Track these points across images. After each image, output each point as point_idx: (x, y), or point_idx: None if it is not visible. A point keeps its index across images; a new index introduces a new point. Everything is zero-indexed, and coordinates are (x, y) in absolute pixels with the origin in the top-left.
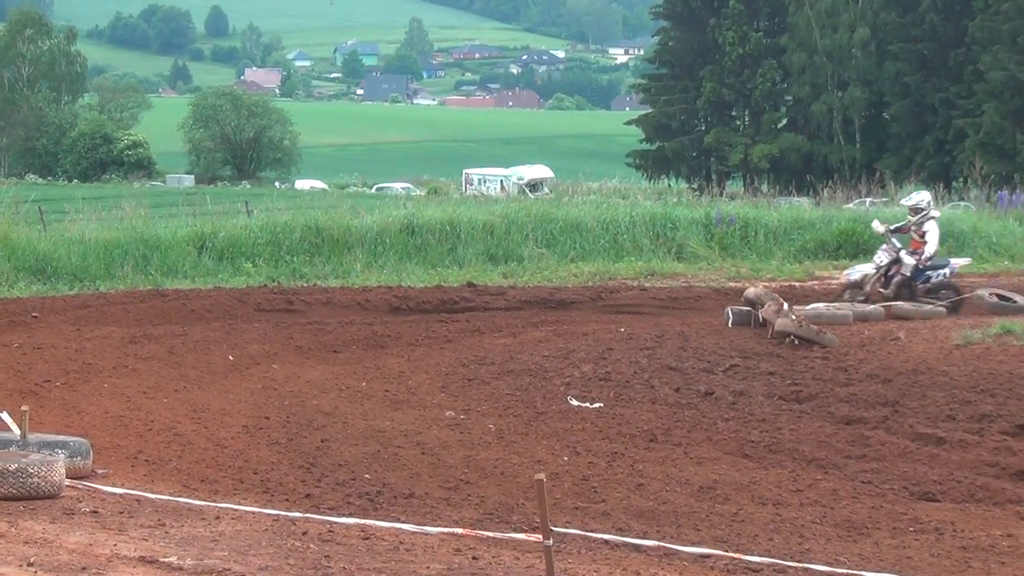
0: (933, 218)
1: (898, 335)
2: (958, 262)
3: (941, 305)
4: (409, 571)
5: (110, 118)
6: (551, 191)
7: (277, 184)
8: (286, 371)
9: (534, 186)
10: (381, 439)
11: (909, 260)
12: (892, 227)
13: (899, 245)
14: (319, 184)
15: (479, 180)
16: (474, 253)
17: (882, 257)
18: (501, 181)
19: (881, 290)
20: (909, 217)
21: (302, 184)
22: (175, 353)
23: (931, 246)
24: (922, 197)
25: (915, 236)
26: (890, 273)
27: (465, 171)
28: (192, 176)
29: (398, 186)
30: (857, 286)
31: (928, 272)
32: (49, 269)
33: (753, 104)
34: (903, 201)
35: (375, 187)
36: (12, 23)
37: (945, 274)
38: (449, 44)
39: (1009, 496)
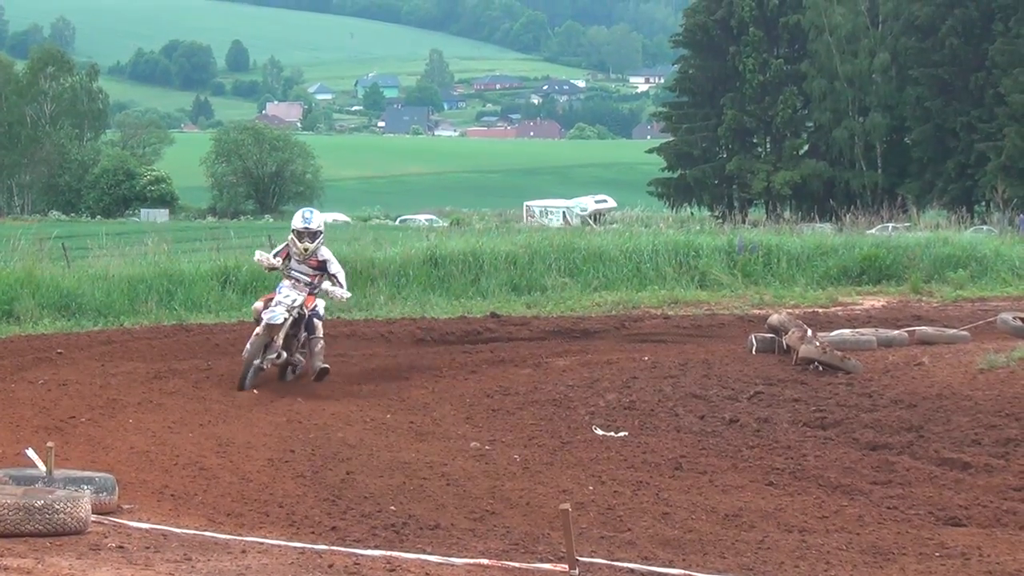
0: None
1: (922, 360)
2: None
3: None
4: None
5: (132, 154)
6: (616, 222)
7: None
8: (310, 404)
9: (597, 217)
10: (406, 471)
11: (342, 293)
12: (272, 253)
13: (307, 277)
14: (342, 217)
15: (540, 212)
16: (497, 284)
17: (294, 296)
18: (564, 212)
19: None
20: (297, 243)
21: (324, 217)
22: (200, 388)
23: (343, 275)
24: (321, 219)
25: (306, 266)
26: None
27: (526, 203)
28: (166, 210)
29: (422, 218)
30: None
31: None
32: (73, 305)
33: (774, 131)
34: (296, 223)
35: (399, 219)
36: (34, 61)
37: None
38: (470, 75)
39: None
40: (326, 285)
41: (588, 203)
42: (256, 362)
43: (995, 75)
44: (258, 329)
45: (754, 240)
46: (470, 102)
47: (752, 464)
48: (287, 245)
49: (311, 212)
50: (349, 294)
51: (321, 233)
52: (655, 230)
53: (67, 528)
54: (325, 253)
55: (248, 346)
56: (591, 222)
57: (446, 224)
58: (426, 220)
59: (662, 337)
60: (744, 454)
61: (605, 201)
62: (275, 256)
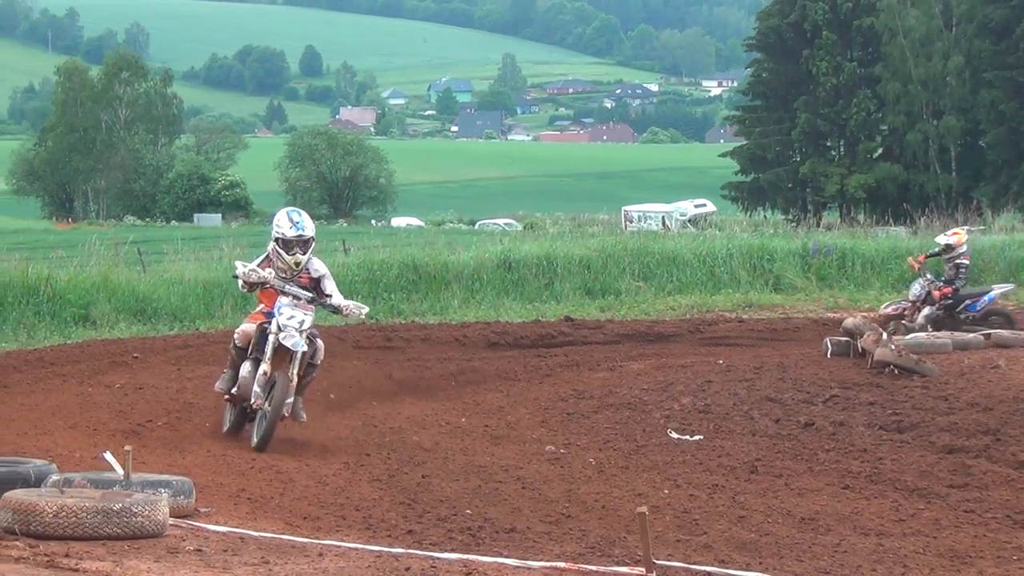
0: None
1: (998, 363)
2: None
3: None
4: None
5: (207, 159)
6: (716, 227)
7: (373, 222)
8: (385, 408)
9: (697, 221)
10: (482, 474)
11: (358, 308)
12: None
13: (308, 293)
14: (415, 221)
15: (639, 217)
16: (571, 287)
17: (301, 317)
18: (663, 218)
19: None
20: (284, 255)
21: (398, 221)
22: None
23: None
24: (312, 224)
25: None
26: None
27: (624, 208)
28: (219, 215)
29: (500, 222)
30: None
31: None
32: (149, 310)
33: (848, 134)
34: (283, 228)
35: (477, 224)
36: (109, 66)
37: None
38: (542, 79)
39: None
40: (338, 300)
41: (688, 207)
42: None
43: None
44: (264, 368)
45: (828, 243)
46: (543, 106)
47: (828, 467)
48: (267, 257)
49: (299, 214)
50: (366, 308)
51: (314, 241)
52: (729, 234)
53: (145, 531)
54: (319, 267)
55: (256, 388)
56: (691, 226)
57: (521, 228)
58: (504, 224)
59: (736, 341)
60: (820, 457)
61: (705, 205)
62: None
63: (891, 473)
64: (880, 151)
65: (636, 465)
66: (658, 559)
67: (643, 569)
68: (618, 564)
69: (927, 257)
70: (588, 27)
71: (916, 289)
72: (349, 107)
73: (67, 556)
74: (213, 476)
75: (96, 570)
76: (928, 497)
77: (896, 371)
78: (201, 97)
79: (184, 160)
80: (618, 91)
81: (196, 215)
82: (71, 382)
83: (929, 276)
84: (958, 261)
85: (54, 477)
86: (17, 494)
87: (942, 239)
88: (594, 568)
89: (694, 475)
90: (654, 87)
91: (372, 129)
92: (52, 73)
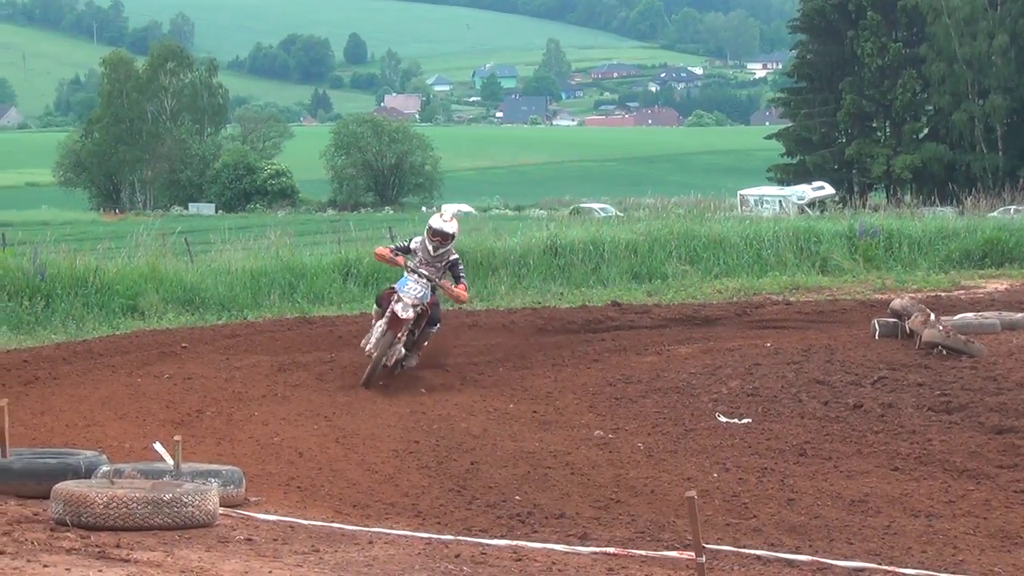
0: None
1: None
2: None
3: None
4: None
5: (253, 148)
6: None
7: (424, 208)
8: (434, 395)
9: (815, 205)
10: (530, 460)
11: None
12: None
13: None
14: (464, 207)
15: (755, 201)
16: (618, 272)
17: None
18: (780, 201)
19: None
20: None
21: (450, 208)
22: (323, 380)
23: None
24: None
25: None
26: None
27: (740, 192)
28: (213, 204)
29: (596, 206)
30: None
31: None
32: (197, 300)
33: (894, 115)
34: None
35: (572, 207)
36: (154, 57)
37: None
38: (587, 64)
39: None
40: None
41: (806, 191)
42: None
43: None
44: None
45: (875, 224)
46: (588, 91)
47: (877, 449)
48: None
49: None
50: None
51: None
52: (776, 216)
53: (195, 521)
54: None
55: None
56: (809, 210)
57: (622, 214)
58: (600, 209)
59: (784, 323)
60: (869, 439)
61: (823, 188)
62: None
63: (940, 454)
64: (926, 131)
65: (685, 449)
66: (708, 543)
67: (693, 553)
68: (667, 549)
69: (400, 251)
70: (632, 11)
71: (419, 290)
72: (394, 94)
73: (118, 547)
74: (263, 465)
75: (147, 560)
76: (978, 478)
77: (944, 352)
78: (246, 86)
79: (230, 150)
80: (663, 75)
81: (191, 204)
82: (120, 373)
83: (424, 271)
84: (454, 258)
85: (104, 468)
86: (68, 485)
87: (441, 223)
88: (644, 553)
89: (743, 458)
90: (699, 70)
91: (417, 116)
92: (98, 65)
